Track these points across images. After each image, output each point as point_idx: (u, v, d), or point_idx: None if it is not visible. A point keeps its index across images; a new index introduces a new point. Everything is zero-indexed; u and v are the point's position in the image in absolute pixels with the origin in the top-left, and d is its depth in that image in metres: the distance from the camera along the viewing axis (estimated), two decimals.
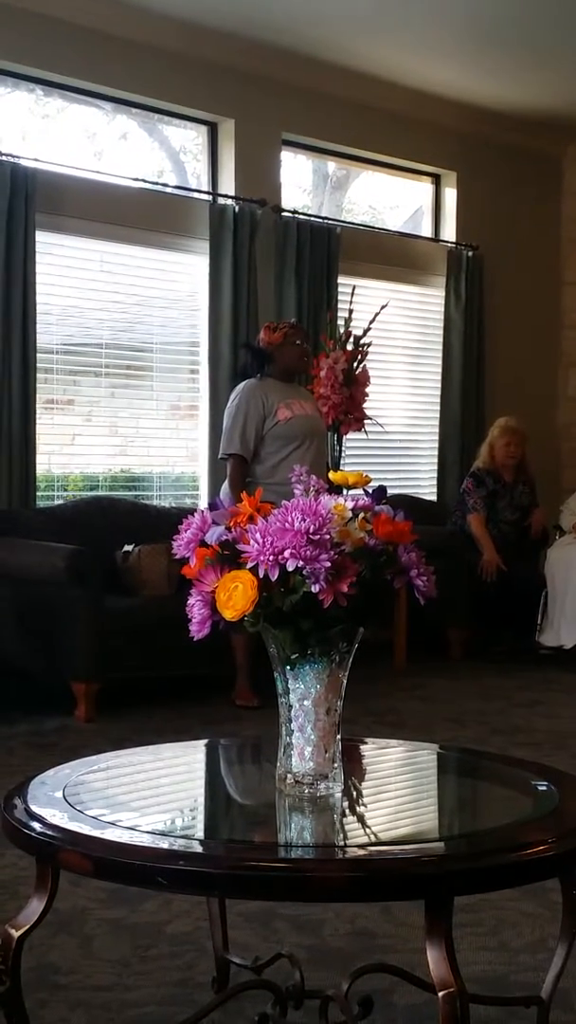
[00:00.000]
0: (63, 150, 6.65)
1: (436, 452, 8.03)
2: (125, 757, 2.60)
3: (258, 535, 2.04)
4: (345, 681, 2.17)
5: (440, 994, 1.83)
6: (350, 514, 2.10)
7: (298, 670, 2.13)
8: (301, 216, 7.20)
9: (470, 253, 8.06)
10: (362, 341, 6.59)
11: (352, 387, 6.51)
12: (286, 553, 2.01)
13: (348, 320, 6.68)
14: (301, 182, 8.08)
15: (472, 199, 8.21)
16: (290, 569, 2.01)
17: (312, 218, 7.31)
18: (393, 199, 8.54)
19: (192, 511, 2.21)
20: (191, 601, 2.13)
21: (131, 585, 5.81)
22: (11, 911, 2.58)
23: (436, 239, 8.17)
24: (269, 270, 7.02)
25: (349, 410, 6.52)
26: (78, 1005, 2.55)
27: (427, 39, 6.81)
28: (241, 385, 5.68)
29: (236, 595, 2.04)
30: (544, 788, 2.24)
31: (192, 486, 7.01)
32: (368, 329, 6.62)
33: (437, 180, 8.26)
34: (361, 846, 2.06)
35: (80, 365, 6.60)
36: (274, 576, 2.01)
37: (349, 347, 6.57)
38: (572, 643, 6.85)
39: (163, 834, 2.03)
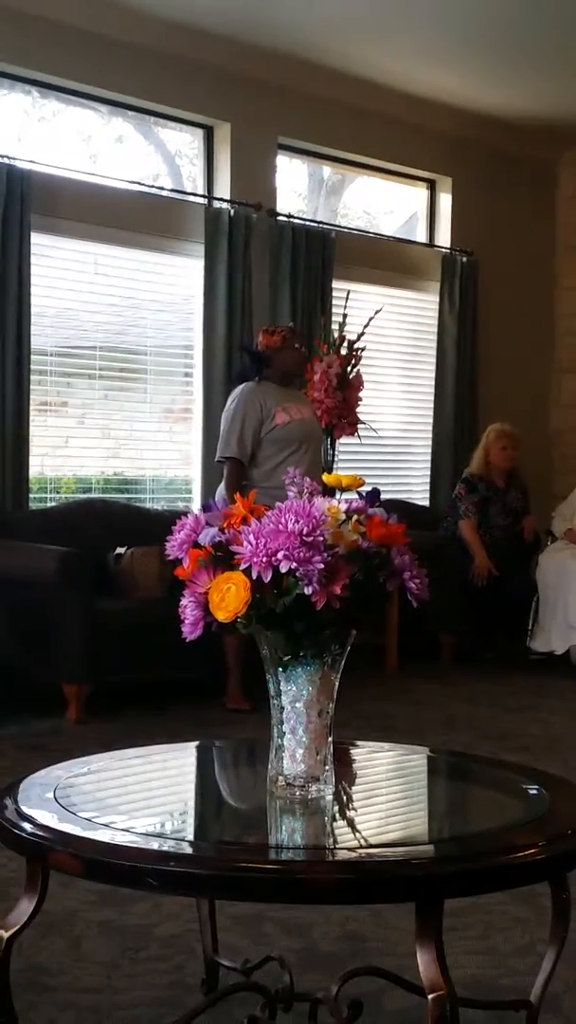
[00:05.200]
0: (59, 152, 6.65)
1: (429, 457, 8.04)
2: (116, 759, 2.60)
3: (251, 536, 2.04)
4: (337, 684, 2.17)
5: (429, 997, 1.83)
6: (343, 516, 2.11)
7: (290, 672, 2.13)
8: (296, 220, 7.21)
9: (465, 259, 8.07)
10: (356, 345, 6.59)
11: (346, 391, 6.51)
12: (279, 555, 2.01)
13: (342, 324, 6.69)
14: (296, 186, 8.09)
15: (467, 205, 8.22)
16: (283, 571, 2.01)
17: (307, 222, 7.32)
18: (388, 204, 8.55)
19: (186, 514, 2.21)
20: (184, 602, 2.13)
21: (123, 587, 5.80)
22: (1, 912, 2.58)
23: (431, 244, 8.18)
24: (264, 274, 7.02)
25: (343, 414, 6.52)
26: (67, 1007, 2.55)
27: (424, 45, 6.83)
28: (239, 388, 5.68)
29: (229, 596, 2.04)
30: (534, 792, 2.24)
31: (185, 490, 7.01)
32: (362, 334, 6.63)
33: (432, 185, 8.27)
34: (352, 849, 2.06)
35: (74, 368, 6.60)
36: (267, 578, 2.01)
37: (343, 351, 6.57)
38: (563, 649, 6.86)
39: (154, 835, 2.03)
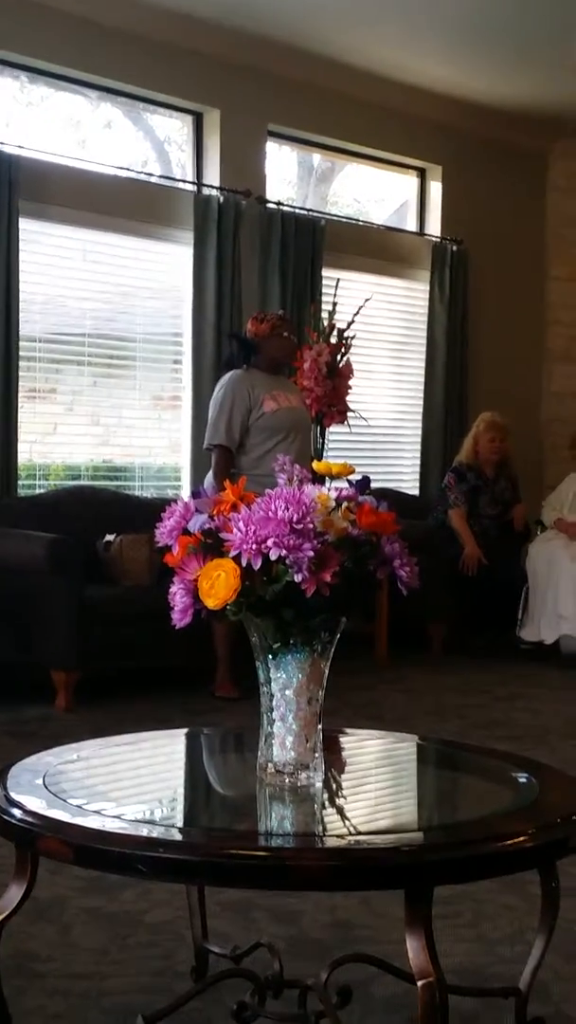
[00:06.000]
0: (47, 138, 6.63)
1: (419, 446, 8.04)
2: (106, 746, 2.60)
3: (241, 524, 2.04)
4: (327, 671, 2.17)
5: (419, 983, 1.83)
6: (333, 504, 2.10)
7: (280, 659, 2.13)
8: (286, 208, 7.19)
9: (455, 247, 8.07)
10: (346, 334, 6.58)
11: (335, 379, 6.50)
12: (269, 542, 2.00)
13: (332, 313, 6.68)
14: (286, 174, 8.07)
15: (457, 193, 8.21)
16: (273, 558, 2.01)
17: (297, 210, 7.30)
18: (378, 192, 8.54)
19: (175, 501, 2.20)
20: (173, 589, 2.12)
21: (112, 575, 5.80)
22: None
23: (421, 233, 8.17)
24: (253, 261, 7.01)
25: (332, 402, 6.52)
26: (56, 993, 2.55)
27: (415, 33, 6.81)
28: (227, 376, 5.67)
29: (218, 584, 2.04)
30: (524, 780, 2.24)
31: (174, 477, 7.00)
32: (352, 322, 6.62)
33: (422, 174, 8.26)
34: (341, 836, 2.06)
35: (63, 354, 6.58)
36: (257, 565, 2.01)
37: (333, 340, 6.56)
38: (552, 638, 6.87)
39: (143, 822, 2.03)
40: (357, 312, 6.69)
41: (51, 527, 5.58)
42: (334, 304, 6.71)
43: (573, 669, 6.59)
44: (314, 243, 7.23)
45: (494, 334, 8.39)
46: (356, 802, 2.31)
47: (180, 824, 2.18)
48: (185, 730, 2.83)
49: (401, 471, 8.10)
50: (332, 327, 6.60)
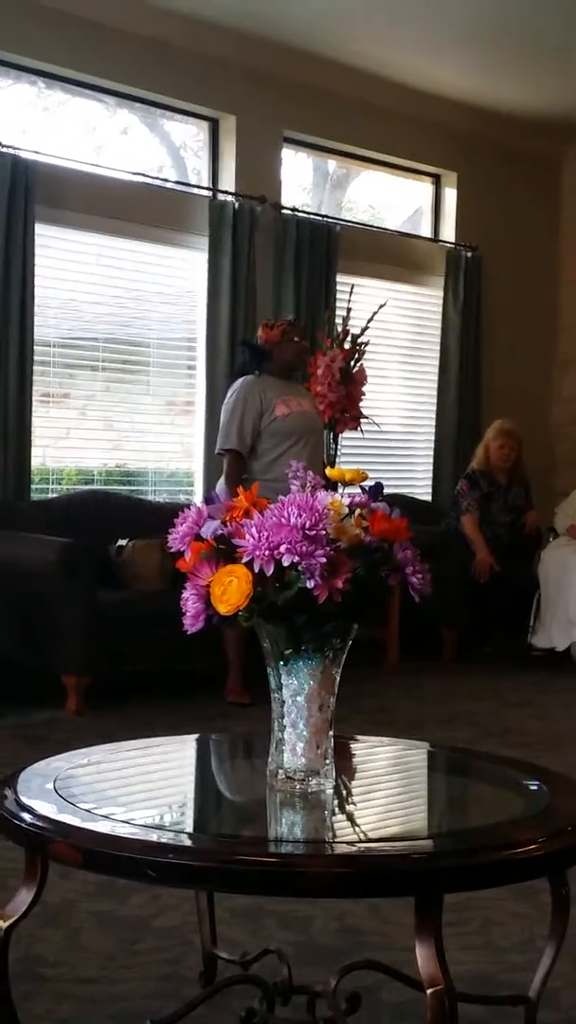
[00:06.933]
0: (63, 143, 6.64)
1: (432, 452, 8.04)
2: (116, 751, 2.60)
3: (254, 530, 2.04)
4: (338, 678, 2.17)
5: (428, 991, 1.83)
6: (346, 510, 2.10)
7: (291, 666, 2.13)
8: (301, 214, 7.20)
9: (469, 254, 8.07)
10: (360, 340, 6.58)
11: (349, 385, 6.51)
12: (282, 548, 2.00)
13: (346, 318, 6.68)
14: (301, 180, 8.07)
15: (472, 200, 8.21)
16: (285, 564, 2.00)
17: (311, 216, 7.31)
18: (393, 198, 8.54)
19: (187, 507, 2.21)
20: (185, 595, 2.12)
21: (124, 579, 5.80)
22: None
23: (435, 239, 8.17)
24: (268, 267, 7.01)
25: (345, 408, 6.52)
26: (64, 997, 2.55)
27: (430, 39, 6.81)
28: (239, 381, 5.68)
29: (231, 589, 2.04)
30: (535, 787, 2.23)
31: (187, 482, 7.01)
32: (366, 328, 6.62)
33: (437, 180, 8.26)
34: (351, 843, 2.06)
35: (77, 359, 6.59)
36: (269, 571, 2.01)
37: (346, 345, 6.57)
38: (564, 645, 6.86)
39: (153, 827, 2.03)
40: (371, 318, 6.69)
41: (64, 531, 5.59)
42: (348, 310, 6.71)
43: None
44: (328, 249, 7.23)
45: (507, 340, 8.38)
46: (366, 809, 2.30)
47: (190, 830, 2.18)
48: (195, 736, 2.82)
49: (413, 477, 8.09)
50: (346, 333, 6.60)
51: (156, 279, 6.77)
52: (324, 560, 2.00)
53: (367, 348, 6.63)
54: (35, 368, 6.09)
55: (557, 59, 7.10)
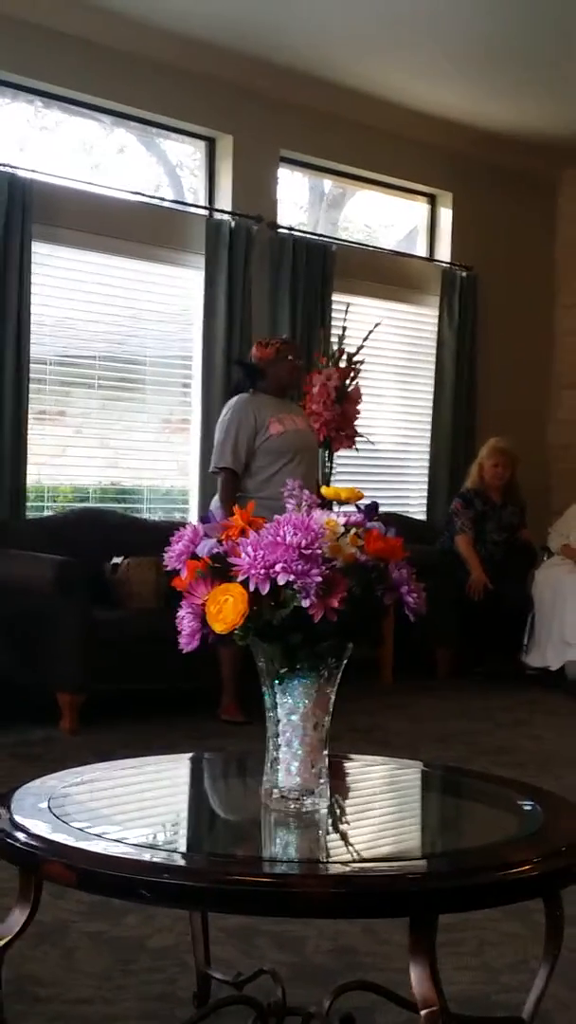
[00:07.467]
0: (61, 162, 6.66)
1: (426, 471, 8.05)
2: (110, 769, 2.59)
3: (250, 548, 2.04)
4: (333, 697, 2.17)
5: (422, 1012, 1.82)
6: (342, 529, 2.11)
7: (286, 685, 2.13)
8: (297, 233, 7.22)
9: (464, 273, 8.09)
10: (355, 359, 6.60)
11: (344, 404, 6.52)
12: (277, 567, 2.01)
13: (341, 337, 6.70)
14: (298, 199, 8.10)
15: (467, 220, 8.24)
16: (281, 583, 2.01)
17: (307, 235, 7.33)
18: (388, 218, 8.57)
19: (183, 525, 2.21)
20: (181, 613, 2.13)
21: (119, 597, 5.80)
22: None
23: (431, 259, 8.20)
24: (264, 286, 7.03)
25: (341, 427, 6.53)
26: (58, 1018, 2.54)
27: (426, 60, 6.85)
28: (233, 399, 5.69)
29: (226, 608, 2.04)
30: (529, 807, 2.23)
31: (182, 500, 7.01)
32: (361, 347, 6.64)
33: (433, 200, 8.29)
34: (345, 863, 2.05)
35: (73, 377, 6.60)
36: (265, 590, 2.01)
37: (342, 364, 6.58)
38: (558, 664, 6.85)
39: (147, 847, 2.02)
40: (367, 337, 6.71)
41: (59, 549, 5.59)
42: (344, 329, 6.73)
43: None
44: (324, 268, 7.25)
45: (503, 360, 8.40)
46: (360, 829, 2.30)
47: (183, 849, 2.18)
48: (190, 755, 2.82)
49: (408, 496, 8.10)
50: (341, 352, 6.62)
51: (152, 297, 6.79)
52: (320, 579, 2.00)
53: (362, 367, 6.65)
54: (31, 386, 6.09)
55: (552, 81, 7.13)
